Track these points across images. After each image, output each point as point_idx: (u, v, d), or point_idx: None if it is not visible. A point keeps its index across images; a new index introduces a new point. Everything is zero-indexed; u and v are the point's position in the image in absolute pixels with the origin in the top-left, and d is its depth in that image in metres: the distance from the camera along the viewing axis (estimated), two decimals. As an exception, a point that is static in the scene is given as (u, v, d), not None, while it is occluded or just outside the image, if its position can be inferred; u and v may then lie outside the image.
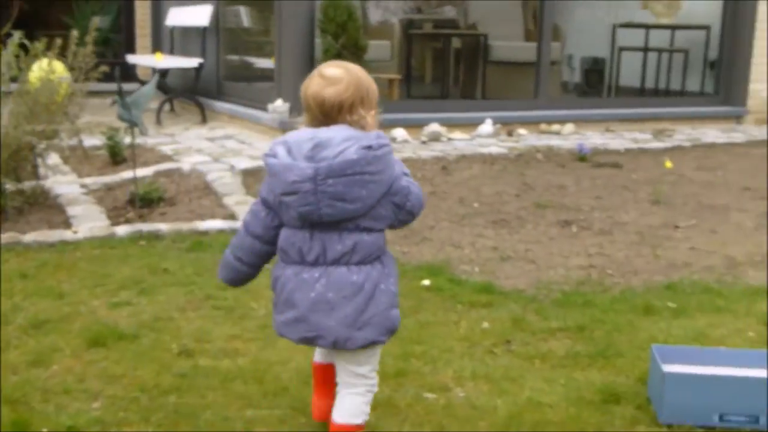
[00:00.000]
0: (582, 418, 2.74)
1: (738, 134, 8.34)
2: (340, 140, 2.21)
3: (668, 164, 6.32)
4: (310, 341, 2.35)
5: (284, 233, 2.34)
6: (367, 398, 2.41)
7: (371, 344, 2.33)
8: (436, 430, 2.68)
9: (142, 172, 5.75)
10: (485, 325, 3.54)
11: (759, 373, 2.84)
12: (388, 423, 2.70)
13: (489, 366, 3.15)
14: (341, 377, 2.42)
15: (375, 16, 9.45)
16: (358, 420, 2.39)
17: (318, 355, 2.64)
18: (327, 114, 2.28)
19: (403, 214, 2.36)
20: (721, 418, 2.67)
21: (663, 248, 4.66)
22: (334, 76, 2.29)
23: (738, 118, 9.09)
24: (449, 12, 10.27)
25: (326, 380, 2.57)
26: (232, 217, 5.02)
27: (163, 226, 4.71)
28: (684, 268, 4.35)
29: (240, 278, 2.52)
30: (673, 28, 9.77)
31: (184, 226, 4.76)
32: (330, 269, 2.29)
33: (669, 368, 2.76)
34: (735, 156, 7.31)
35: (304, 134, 2.26)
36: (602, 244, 4.71)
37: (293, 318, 2.33)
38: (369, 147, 2.21)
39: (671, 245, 4.72)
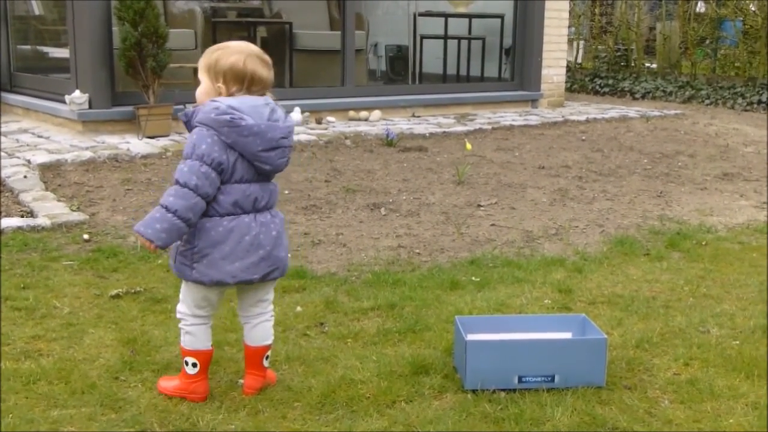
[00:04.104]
0: (393, 390, 2.83)
1: (533, 117, 8.83)
2: (278, 107, 2.72)
3: (468, 146, 6.60)
4: (267, 276, 2.74)
5: (238, 188, 2.65)
6: (272, 322, 2.89)
7: None
8: (252, 414, 2.68)
9: (-74, 170, 5.35)
10: (298, 309, 3.58)
11: (553, 335, 3.05)
12: (203, 411, 2.68)
13: (303, 348, 3.19)
14: (249, 311, 2.85)
15: (177, 4, 9.23)
16: (270, 341, 2.87)
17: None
18: (259, 88, 2.70)
19: None
20: (520, 380, 2.83)
21: (467, 226, 4.87)
22: (268, 62, 2.73)
23: (533, 102, 9.62)
24: (254, 1, 10.20)
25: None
26: (30, 214, 4.77)
27: (-48, 227, 4.41)
28: (486, 244, 4.57)
29: (180, 239, 2.70)
30: (470, 17, 10.19)
31: (-23, 225, 4.48)
32: (273, 211, 2.77)
33: (471, 337, 2.91)
34: (531, 137, 7.74)
35: (256, 101, 2.65)
36: (410, 225, 4.86)
37: (260, 258, 2.70)
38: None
39: (474, 223, 4.95)
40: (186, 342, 2.79)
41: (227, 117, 2.59)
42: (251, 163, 2.65)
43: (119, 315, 3.47)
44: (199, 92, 2.72)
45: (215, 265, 2.66)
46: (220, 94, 2.67)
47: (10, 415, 2.61)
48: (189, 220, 2.60)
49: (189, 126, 2.70)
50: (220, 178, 2.62)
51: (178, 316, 2.80)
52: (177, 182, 2.60)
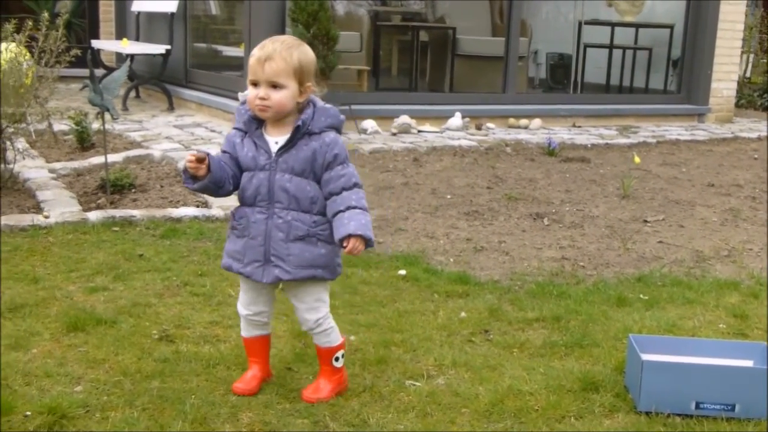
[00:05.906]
0: (562, 406, 2.78)
1: (701, 132, 8.50)
2: None
3: (637, 160, 6.43)
4: None
5: None
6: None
7: None
8: (421, 416, 2.70)
9: (111, 158, 5.68)
10: (462, 314, 3.58)
11: (735, 362, 2.91)
12: (373, 409, 2.72)
13: (469, 354, 3.18)
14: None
15: (343, 7, 9.44)
16: None
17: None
18: None
19: None
20: (697, 405, 2.73)
21: (633, 242, 4.74)
22: None
23: (700, 116, 9.26)
24: (416, 5, 10.30)
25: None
26: (204, 204, 5.00)
27: (136, 212, 4.67)
28: (654, 261, 4.43)
29: None
30: (637, 26, 9.91)
31: (158, 212, 4.72)
32: None
33: (646, 357, 2.82)
34: (698, 153, 7.45)
35: None
36: (574, 237, 4.77)
37: None
38: None
39: (641, 239, 4.80)
40: (335, 338, 2.82)
41: (343, 117, 2.70)
42: None
43: (289, 307, 3.55)
44: (285, 98, 2.55)
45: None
46: (303, 94, 2.58)
47: (193, 396, 2.73)
48: None
49: (297, 134, 2.58)
50: None
51: (319, 321, 2.77)
52: (356, 185, 2.64)
